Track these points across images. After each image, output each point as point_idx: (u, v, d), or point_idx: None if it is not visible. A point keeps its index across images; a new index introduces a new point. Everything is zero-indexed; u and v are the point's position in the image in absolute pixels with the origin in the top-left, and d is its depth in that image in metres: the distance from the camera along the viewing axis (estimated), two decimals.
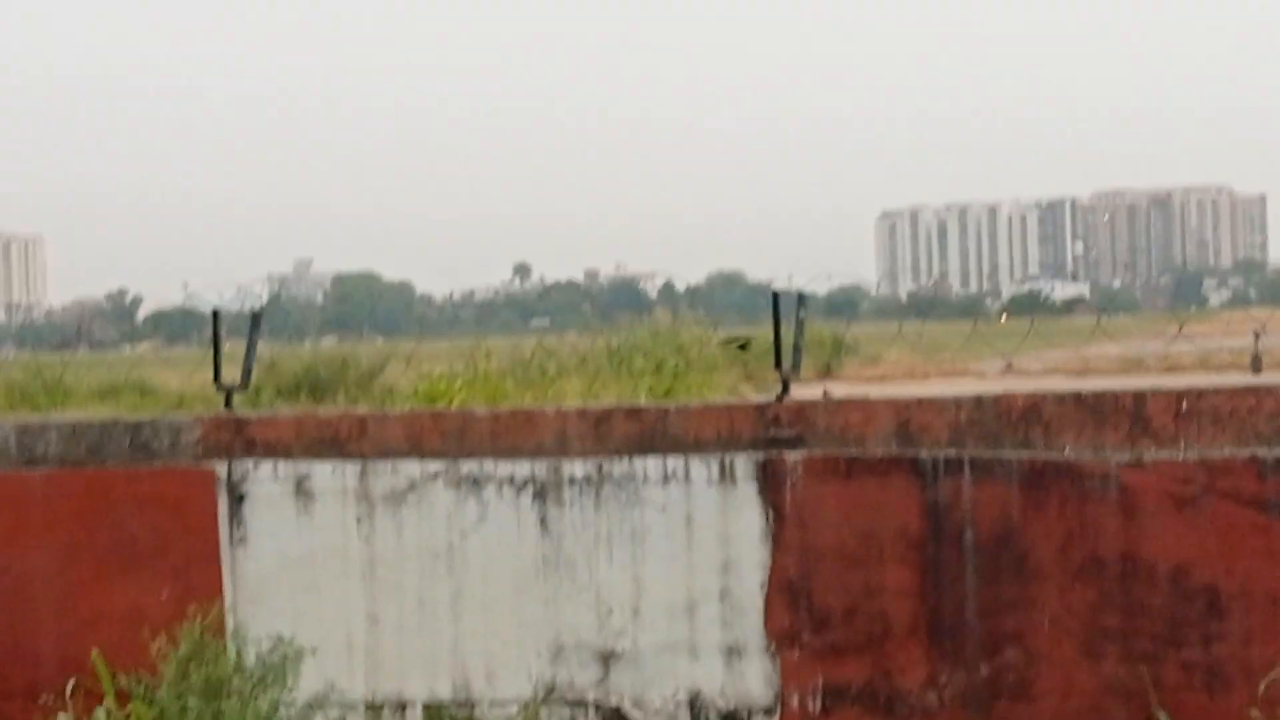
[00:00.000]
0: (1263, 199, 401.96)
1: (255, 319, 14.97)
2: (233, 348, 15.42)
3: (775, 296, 14.08)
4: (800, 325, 14.02)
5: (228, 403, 14.33)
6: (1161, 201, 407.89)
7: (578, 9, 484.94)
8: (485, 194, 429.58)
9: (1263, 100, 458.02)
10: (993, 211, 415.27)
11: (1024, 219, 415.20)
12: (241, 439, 13.69)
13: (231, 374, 14.55)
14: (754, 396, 29.70)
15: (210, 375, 14.71)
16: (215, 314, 15.58)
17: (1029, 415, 12.63)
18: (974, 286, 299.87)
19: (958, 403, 12.89)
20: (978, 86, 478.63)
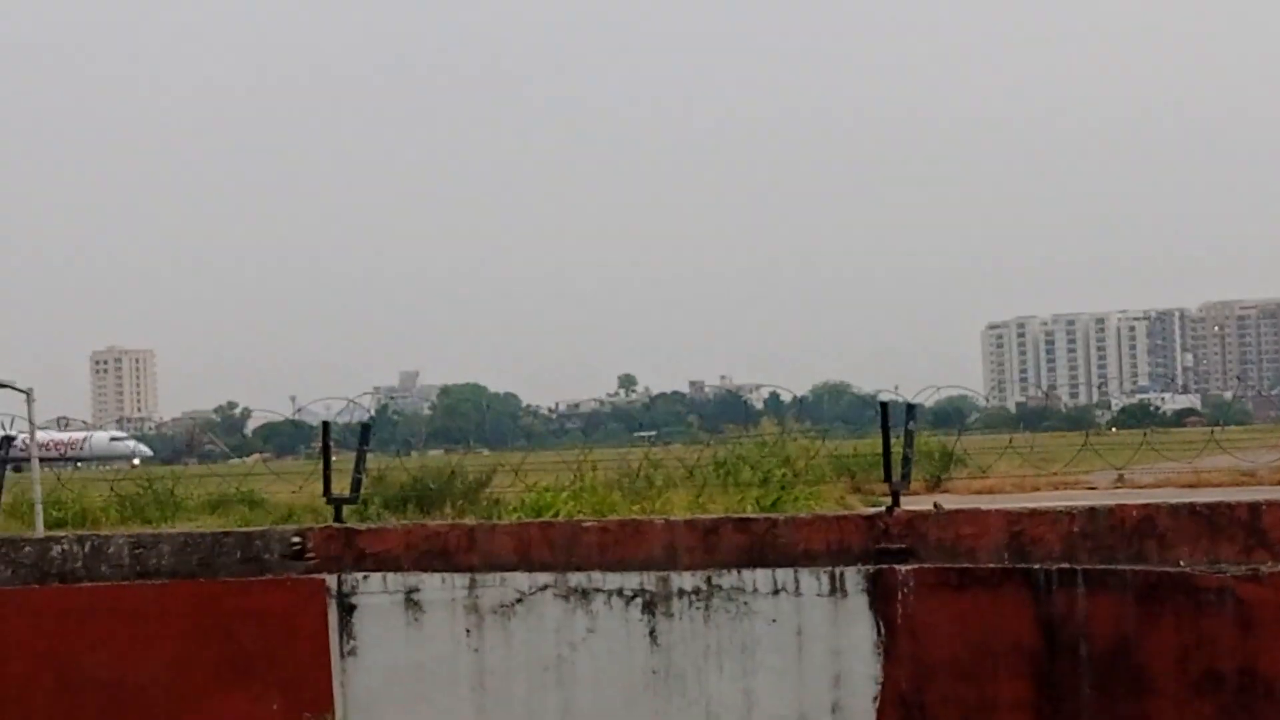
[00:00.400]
0: None
1: (364, 431, 15.05)
2: (341, 460, 15.47)
3: (884, 408, 14.04)
4: (910, 437, 13.95)
5: (337, 515, 14.37)
6: (1272, 313, 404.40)
7: (676, 139, 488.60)
8: (591, 304, 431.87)
9: None
10: (1100, 322, 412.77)
11: (1132, 330, 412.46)
12: (351, 550, 13.72)
13: (340, 486, 14.61)
14: (863, 509, 29.53)
15: (319, 487, 14.78)
16: (325, 426, 15.66)
17: (1143, 527, 12.49)
18: (1083, 398, 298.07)
19: (1070, 514, 12.76)
20: (1075, 200, 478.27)
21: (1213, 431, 37.46)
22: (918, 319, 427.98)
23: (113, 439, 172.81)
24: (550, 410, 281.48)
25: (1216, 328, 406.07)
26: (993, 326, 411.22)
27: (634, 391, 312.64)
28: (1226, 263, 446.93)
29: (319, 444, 15.17)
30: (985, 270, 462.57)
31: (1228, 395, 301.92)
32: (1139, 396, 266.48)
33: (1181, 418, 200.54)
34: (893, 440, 13.90)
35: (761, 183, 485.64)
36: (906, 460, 13.73)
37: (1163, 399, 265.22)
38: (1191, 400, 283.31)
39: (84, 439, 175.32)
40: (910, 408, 14.16)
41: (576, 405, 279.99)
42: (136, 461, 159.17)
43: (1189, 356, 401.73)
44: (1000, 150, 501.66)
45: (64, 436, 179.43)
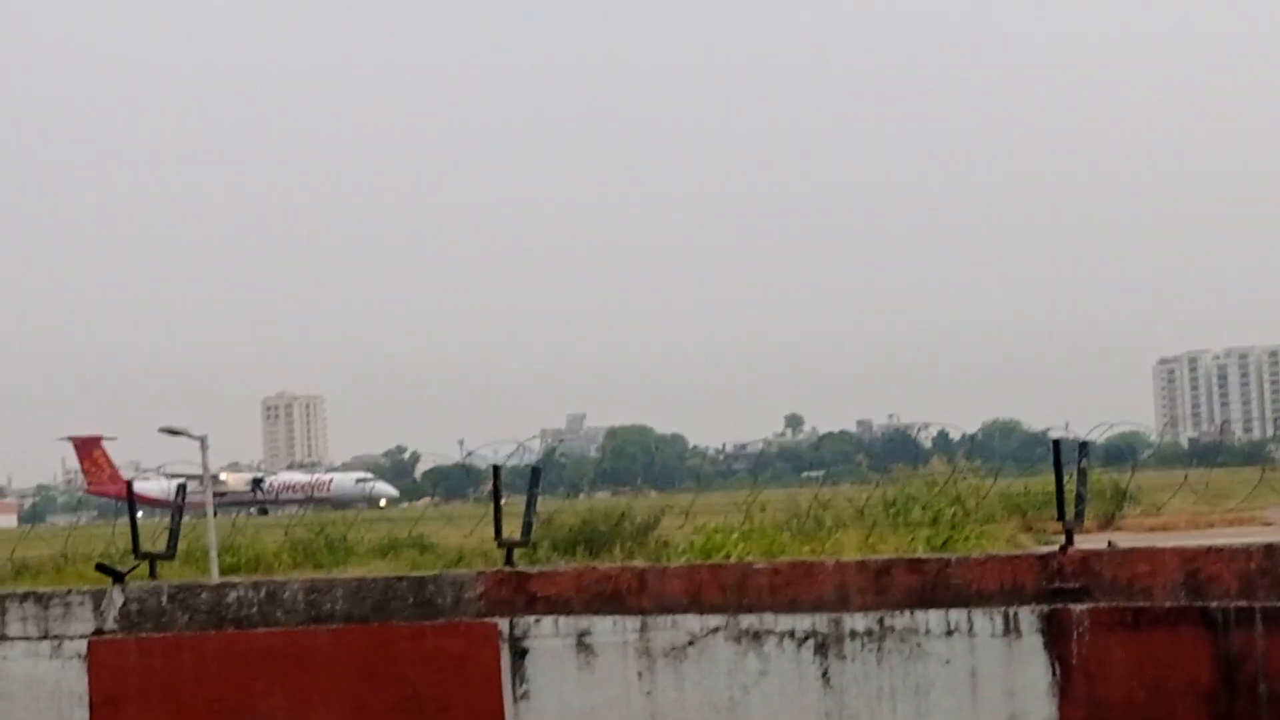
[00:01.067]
0: None
1: (534, 474, 15.09)
2: (510, 503, 15.56)
3: (1056, 445, 13.91)
4: (1083, 474, 13.81)
5: (508, 558, 14.43)
6: None
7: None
8: (756, 344, 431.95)
9: None
10: (1274, 355, 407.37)
11: None
12: (523, 594, 13.78)
13: (510, 529, 14.67)
14: (1035, 548, 29.25)
15: (489, 531, 14.85)
16: (496, 470, 15.75)
17: None
18: (1256, 433, 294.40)
19: (1248, 551, 12.58)
20: (1245, 229, 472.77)
21: None
22: (1088, 354, 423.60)
23: (358, 480, 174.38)
24: (718, 451, 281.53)
25: None
26: (1164, 361, 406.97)
27: (801, 431, 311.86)
28: None
29: (488, 487, 15.29)
30: (1156, 303, 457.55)
31: None
32: None
33: None
34: (1065, 478, 13.75)
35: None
36: (1080, 498, 13.58)
37: None
38: None
39: (329, 480, 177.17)
40: (1083, 445, 14.00)
41: (744, 445, 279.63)
42: (383, 503, 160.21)
43: None
44: (1167, 180, 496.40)
45: (308, 478, 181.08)
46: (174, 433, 55.14)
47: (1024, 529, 53.44)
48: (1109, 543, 13.78)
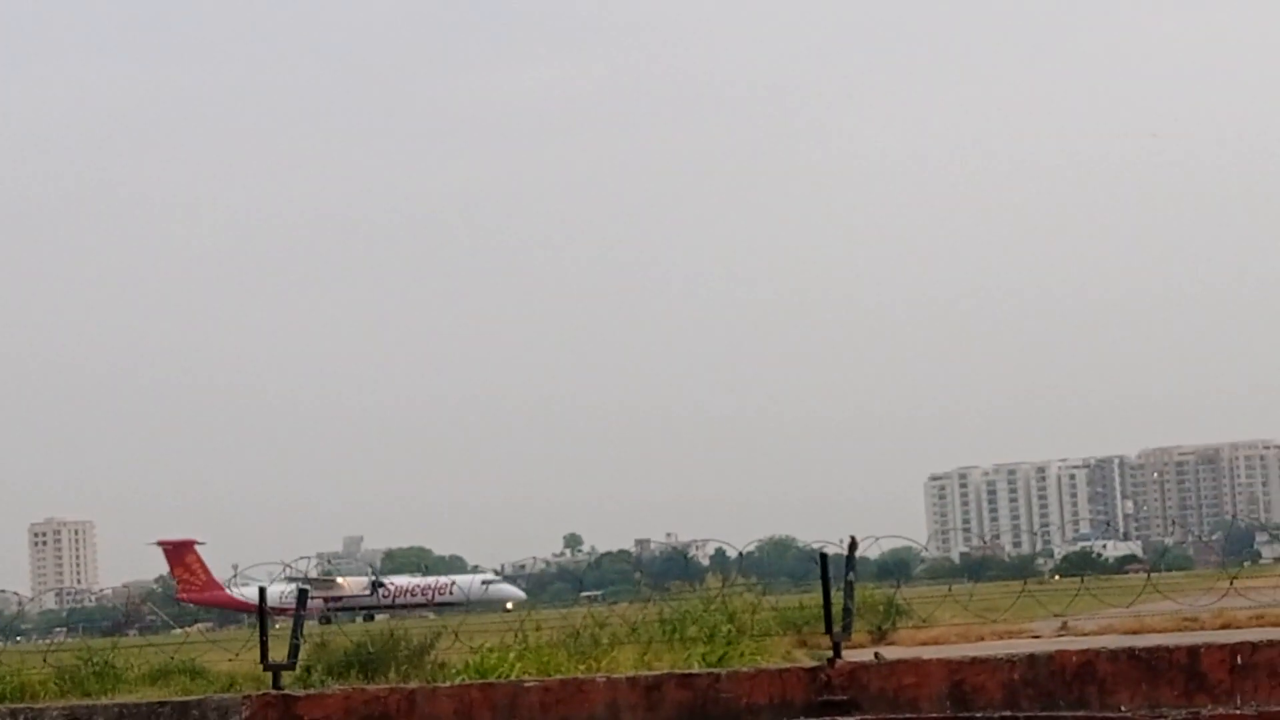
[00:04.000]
0: None
1: (301, 596, 14.98)
2: (284, 627, 15.37)
3: (824, 559, 14.02)
4: (849, 587, 13.94)
5: (275, 682, 14.25)
6: (1210, 458, 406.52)
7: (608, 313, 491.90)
8: (536, 466, 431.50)
9: None
10: (1041, 471, 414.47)
11: (1073, 478, 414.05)
12: (290, 717, 13.59)
13: (279, 653, 14.48)
14: (807, 662, 29.39)
15: (259, 654, 14.67)
16: (261, 593, 15.59)
17: (1083, 673, 12.49)
18: (1025, 547, 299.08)
19: (1011, 662, 12.76)
20: (1013, 352, 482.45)
21: (1149, 576, 37.51)
22: (863, 471, 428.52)
23: (484, 582, 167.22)
24: (496, 571, 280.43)
25: (1155, 474, 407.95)
26: (935, 478, 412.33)
27: (580, 551, 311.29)
28: (1164, 410, 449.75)
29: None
30: (927, 421, 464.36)
31: (1168, 541, 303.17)
32: (1081, 544, 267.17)
33: (1123, 564, 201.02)
34: (834, 592, 13.88)
35: (737, 334, 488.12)
36: (847, 611, 13.72)
37: (1104, 546, 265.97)
38: (1133, 547, 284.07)
39: (451, 583, 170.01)
40: (850, 559, 14.16)
41: (522, 566, 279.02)
42: (510, 605, 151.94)
43: (1129, 503, 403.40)
44: (939, 304, 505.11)
45: (430, 581, 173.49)
46: None
47: (799, 644, 53.65)
48: (875, 655, 13.90)
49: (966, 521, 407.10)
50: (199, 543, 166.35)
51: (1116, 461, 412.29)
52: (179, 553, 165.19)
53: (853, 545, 14.03)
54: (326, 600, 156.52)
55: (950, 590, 41.02)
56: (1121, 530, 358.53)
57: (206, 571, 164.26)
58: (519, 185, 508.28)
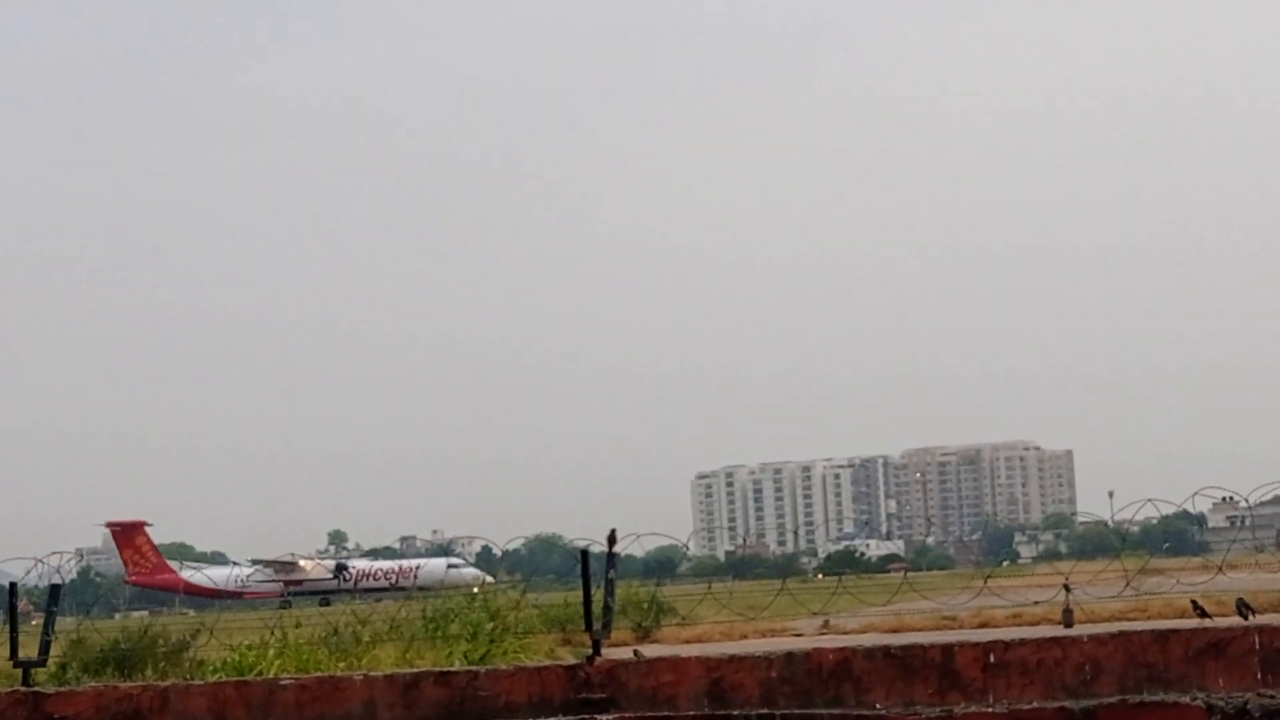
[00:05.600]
0: (1069, 455, 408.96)
1: (53, 592, 14.73)
2: (38, 623, 15.10)
3: (584, 555, 14.02)
4: (610, 585, 13.95)
5: (25, 679, 13.99)
6: (971, 459, 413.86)
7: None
8: (300, 460, 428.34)
9: (1067, 359, 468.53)
10: (806, 471, 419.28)
11: (838, 477, 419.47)
12: (40, 715, 13.33)
13: (30, 650, 14.23)
14: (568, 659, 29.40)
15: (7, 651, 14.38)
16: (13, 587, 15.32)
17: (839, 671, 12.60)
18: (790, 545, 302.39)
19: (769, 660, 12.84)
20: (779, 350, 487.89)
21: (905, 574, 38.14)
22: (631, 470, 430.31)
23: (449, 566, 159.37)
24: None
25: (918, 474, 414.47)
26: (702, 476, 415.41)
27: (345, 548, 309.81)
28: (927, 410, 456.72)
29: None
30: (695, 420, 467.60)
31: (930, 540, 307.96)
32: (844, 543, 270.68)
33: (886, 563, 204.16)
34: (594, 589, 13.88)
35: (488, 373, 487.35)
36: (608, 609, 13.73)
37: (867, 545, 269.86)
38: (895, 546, 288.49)
39: (415, 567, 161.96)
40: (610, 555, 14.17)
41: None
42: (476, 589, 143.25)
43: (892, 503, 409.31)
44: (708, 297, 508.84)
45: (393, 565, 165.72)
46: None
47: (563, 642, 53.82)
48: (635, 652, 13.91)
49: (733, 520, 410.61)
50: (148, 524, 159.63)
51: (880, 461, 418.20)
52: (128, 534, 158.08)
53: (612, 538, 14.05)
54: (287, 584, 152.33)
55: (710, 588, 41.30)
56: (884, 529, 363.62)
57: (157, 554, 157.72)
58: None
